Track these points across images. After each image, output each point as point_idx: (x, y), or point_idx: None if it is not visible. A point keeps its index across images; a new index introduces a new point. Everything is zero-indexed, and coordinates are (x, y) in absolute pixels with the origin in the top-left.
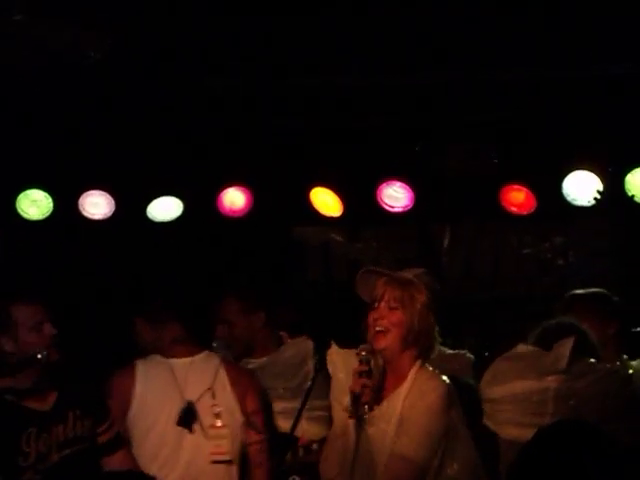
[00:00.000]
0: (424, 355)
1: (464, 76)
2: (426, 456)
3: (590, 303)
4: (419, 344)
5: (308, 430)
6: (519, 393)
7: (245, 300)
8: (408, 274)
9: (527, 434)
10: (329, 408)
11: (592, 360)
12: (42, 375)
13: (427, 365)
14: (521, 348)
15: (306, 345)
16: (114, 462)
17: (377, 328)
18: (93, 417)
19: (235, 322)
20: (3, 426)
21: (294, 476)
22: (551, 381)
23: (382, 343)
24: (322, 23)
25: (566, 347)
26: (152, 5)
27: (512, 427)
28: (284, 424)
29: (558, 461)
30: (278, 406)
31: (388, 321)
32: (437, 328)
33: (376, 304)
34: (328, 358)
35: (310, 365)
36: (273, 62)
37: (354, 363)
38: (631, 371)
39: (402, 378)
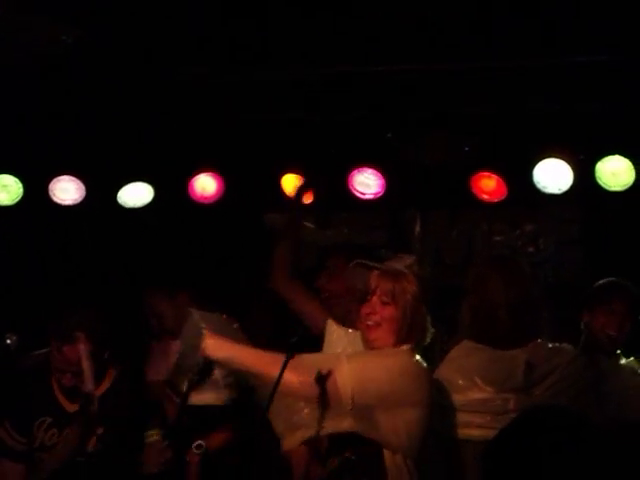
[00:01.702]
0: (417, 347)
1: (435, 66)
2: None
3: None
4: (412, 337)
5: None
6: (475, 400)
7: (163, 288)
8: (398, 264)
9: (489, 434)
10: None
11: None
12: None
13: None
14: (467, 344)
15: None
16: None
17: (369, 322)
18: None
19: (164, 312)
20: (28, 402)
21: (199, 441)
22: (510, 395)
23: (373, 334)
24: (294, 11)
25: (520, 361)
26: None
27: (472, 429)
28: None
29: (539, 446)
30: None
31: (380, 316)
32: (429, 318)
33: (368, 297)
34: (329, 328)
35: None
36: (246, 50)
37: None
38: None
39: None
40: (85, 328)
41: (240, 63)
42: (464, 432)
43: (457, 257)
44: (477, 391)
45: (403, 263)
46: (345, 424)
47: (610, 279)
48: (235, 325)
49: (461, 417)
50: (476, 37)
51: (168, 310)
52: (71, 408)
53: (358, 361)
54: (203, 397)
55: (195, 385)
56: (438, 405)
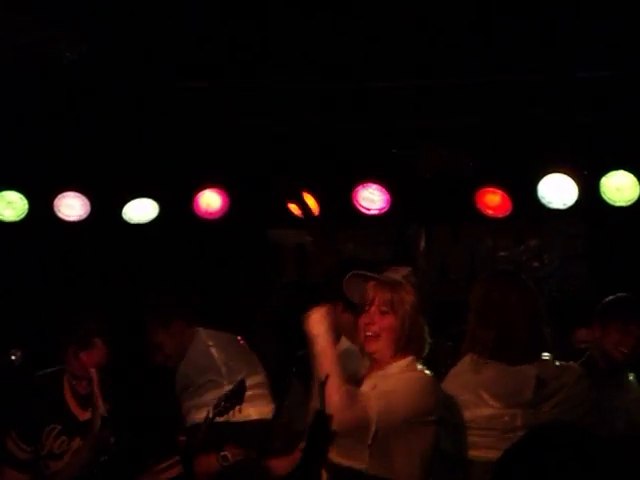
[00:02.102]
0: (416, 357)
1: (441, 80)
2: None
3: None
4: (411, 347)
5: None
6: (481, 417)
7: (157, 318)
8: (395, 275)
9: (495, 456)
10: None
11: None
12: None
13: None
14: (472, 359)
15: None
16: None
17: (368, 333)
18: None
19: (162, 342)
20: (39, 407)
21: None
22: (518, 410)
23: (373, 346)
24: (302, 24)
25: (530, 376)
26: (126, 8)
27: (479, 450)
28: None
29: (547, 463)
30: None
31: (379, 326)
32: (427, 328)
33: (367, 308)
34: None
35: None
36: (253, 64)
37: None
38: None
39: None
40: (103, 334)
41: (245, 79)
42: (472, 453)
43: (462, 272)
44: (484, 407)
45: (399, 274)
46: (360, 460)
47: (622, 295)
48: (242, 343)
49: (468, 436)
50: (482, 52)
51: (165, 340)
52: (83, 416)
53: (381, 395)
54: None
55: (223, 412)
56: (445, 422)
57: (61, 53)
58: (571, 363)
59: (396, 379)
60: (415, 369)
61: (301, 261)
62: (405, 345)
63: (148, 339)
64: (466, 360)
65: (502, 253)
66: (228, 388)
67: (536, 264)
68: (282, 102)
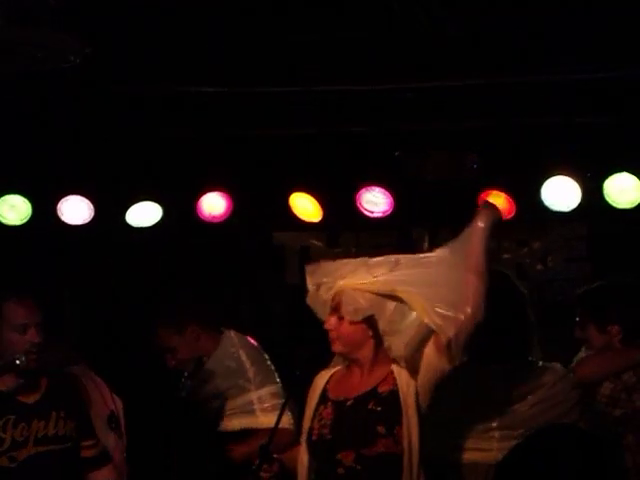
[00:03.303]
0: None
1: (445, 83)
2: None
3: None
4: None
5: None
6: (456, 418)
7: (171, 323)
8: None
9: (476, 457)
10: None
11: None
12: (25, 376)
13: None
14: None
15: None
16: (100, 476)
17: (330, 336)
18: (77, 423)
19: (176, 347)
20: None
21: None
22: (492, 412)
23: (335, 348)
24: (303, 26)
25: (498, 378)
26: (131, 11)
27: (460, 452)
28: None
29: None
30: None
31: (337, 332)
32: None
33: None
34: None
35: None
36: (254, 67)
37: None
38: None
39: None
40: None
41: (249, 81)
42: (453, 456)
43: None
44: (460, 408)
45: None
46: None
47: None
48: (261, 350)
49: (451, 438)
50: (485, 54)
51: (180, 345)
52: (29, 399)
53: None
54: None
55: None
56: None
57: (64, 56)
58: (554, 364)
59: None
60: None
61: (305, 264)
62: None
63: (162, 344)
64: None
65: (506, 256)
66: (255, 394)
67: (540, 267)
68: (285, 105)
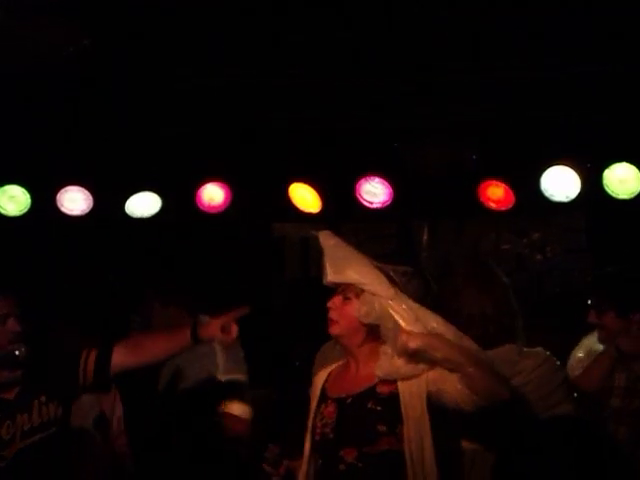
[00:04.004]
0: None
1: (443, 74)
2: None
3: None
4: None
5: None
6: None
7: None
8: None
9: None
10: None
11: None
12: (12, 370)
13: None
14: None
15: None
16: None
17: (330, 316)
18: (59, 400)
19: (153, 317)
20: None
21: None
22: None
23: (333, 330)
24: (300, 21)
25: None
26: (129, 3)
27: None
28: None
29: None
30: None
31: (339, 312)
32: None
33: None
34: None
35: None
36: (254, 58)
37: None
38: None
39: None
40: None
41: (251, 73)
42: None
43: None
44: None
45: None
46: None
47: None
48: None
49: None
50: (484, 45)
51: (157, 316)
52: (8, 395)
53: None
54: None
55: None
56: None
57: (62, 47)
58: (537, 349)
59: None
60: None
61: (305, 255)
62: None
63: (140, 307)
64: None
65: (505, 246)
66: (221, 377)
67: (539, 257)
68: (284, 96)
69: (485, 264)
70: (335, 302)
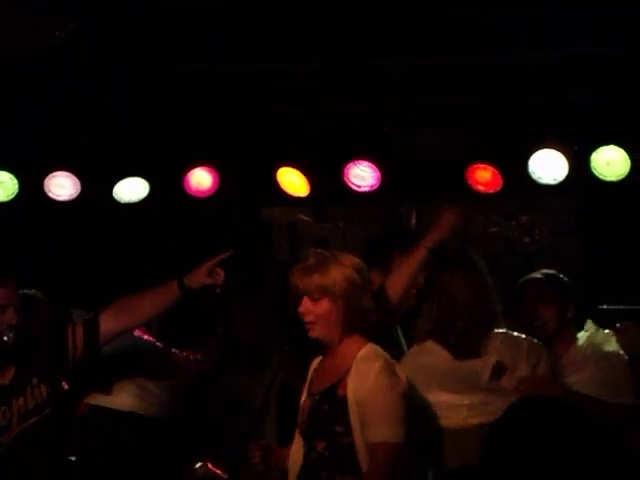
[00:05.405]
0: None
1: (433, 59)
2: (401, 432)
3: (550, 286)
4: (356, 326)
5: None
6: (439, 402)
7: None
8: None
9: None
10: None
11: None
12: (1, 354)
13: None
14: (430, 345)
15: None
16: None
17: (306, 321)
18: (50, 383)
19: None
20: None
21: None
22: (467, 396)
23: (315, 333)
24: (293, 5)
25: (488, 365)
26: None
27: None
28: None
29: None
30: None
31: (314, 314)
32: (372, 304)
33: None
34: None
35: None
36: (242, 44)
37: None
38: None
39: (343, 365)
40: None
41: (236, 57)
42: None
43: (453, 249)
44: (437, 395)
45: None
46: None
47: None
48: None
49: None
50: (473, 31)
51: None
52: (5, 379)
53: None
54: None
55: None
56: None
57: (50, 33)
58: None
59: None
60: (367, 358)
61: (294, 239)
62: (350, 326)
63: None
64: (424, 345)
65: (493, 229)
66: None
67: (527, 240)
68: (272, 81)
69: (464, 253)
70: (306, 306)
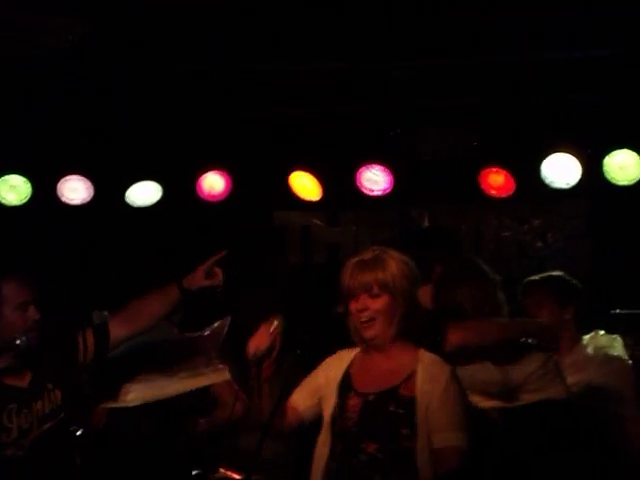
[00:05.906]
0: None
1: (443, 61)
2: (469, 439)
3: (546, 288)
4: (410, 329)
5: None
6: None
7: None
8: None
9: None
10: None
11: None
12: (18, 356)
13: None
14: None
15: None
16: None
17: (362, 319)
18: (62, 389)
19: None
20: None
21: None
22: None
23: (371, 332)
24: (302, 7)
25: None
26: None
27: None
28: None
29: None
30: None
31: (372, 310)
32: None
33: (355, 293)
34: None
35: None
36: (253, 48)
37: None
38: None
39: (402, 367)
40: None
41: (248, 60)
42: None
43: (466, 253)
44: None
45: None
46: None
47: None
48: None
49: None
50: (484, 32)
51: None
52: (24, 382)
53: None
54: None
55: None
56: None
57: (63, 36)
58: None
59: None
60: (449, 372)
61: (306, 243)
62: (405, 327)
63: None
64: None
65: (506, 233)
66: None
67: (540, 244)
68: (284, 84)
69: (468, 259)
70: (365, 302)
